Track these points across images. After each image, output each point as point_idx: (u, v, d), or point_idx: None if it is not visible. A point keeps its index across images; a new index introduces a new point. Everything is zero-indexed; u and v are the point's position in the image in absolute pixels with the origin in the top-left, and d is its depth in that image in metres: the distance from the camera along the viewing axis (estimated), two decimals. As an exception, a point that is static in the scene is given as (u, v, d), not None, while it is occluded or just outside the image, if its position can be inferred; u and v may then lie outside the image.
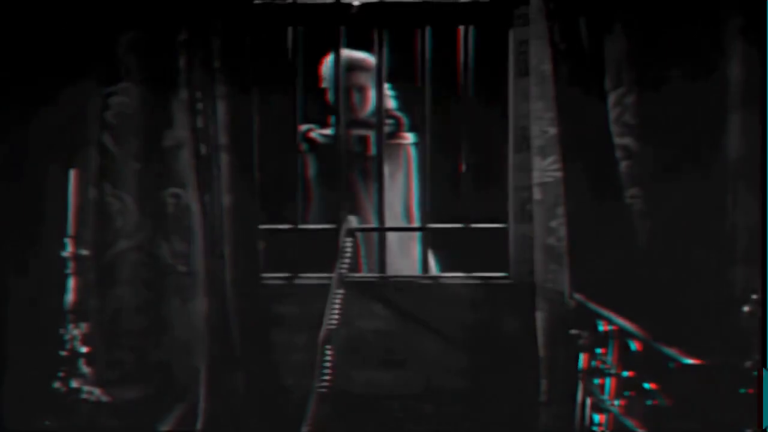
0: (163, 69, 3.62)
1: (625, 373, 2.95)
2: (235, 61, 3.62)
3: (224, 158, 3.64)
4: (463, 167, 3.90)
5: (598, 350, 3.18)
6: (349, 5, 3.82)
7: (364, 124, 4.24)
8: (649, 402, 2.78)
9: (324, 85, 4.22)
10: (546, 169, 3.65)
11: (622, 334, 3.00)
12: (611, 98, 3.63)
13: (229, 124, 3.63)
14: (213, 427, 3.59)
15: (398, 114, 4.29)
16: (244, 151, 3.66)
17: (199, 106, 3.61)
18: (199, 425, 3.31)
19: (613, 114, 3.64)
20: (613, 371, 3.03)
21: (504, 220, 3.89)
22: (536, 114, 3.65)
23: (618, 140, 3.64)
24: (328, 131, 4.17)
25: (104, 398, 3.18)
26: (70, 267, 3.32)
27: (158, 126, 3.63)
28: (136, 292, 3.64)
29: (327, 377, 3.57)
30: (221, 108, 3.63)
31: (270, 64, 3.88)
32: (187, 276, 3.63)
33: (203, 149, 3.61)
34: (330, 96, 4.14)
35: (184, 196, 3.63)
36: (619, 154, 3.65)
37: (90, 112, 3.65)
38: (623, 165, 3.65)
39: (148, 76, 3.62)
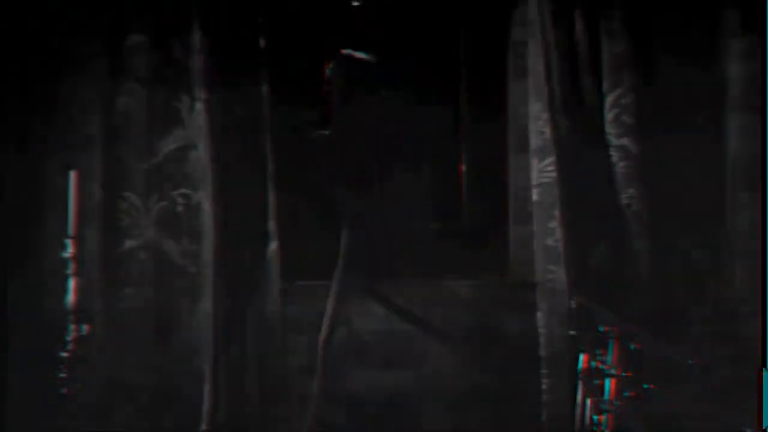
0: (169, 70, 3.62)
1: (625, 374, 2.94)
2: (245, 61, 3.63)
3: (237, 158, 3.63)
4: (463, 168, 3.90)
5: (598, 351, 3.18)
6: (349, 6, 3.82)
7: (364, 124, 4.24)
8: (648, 402, 2.78)
9: (325, 86, 4.22)
10: (543, 170, 3.66)
11: (622, 335, 3.00)
12: (609, 99, 3.64)
13: (240, 124, 3.63)
14: (217, 428, 3.59)
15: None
16: (252, 152, 3.65)
17: (213, 107, 3.60)
18: (203, 426, 3.32)
19: (610, 115, 3.64)
20: (612, 372, 3.03)
21: (504, 221, 3.90)
22: (534, 115, 3.66)
23: (615, 141, 3.65)
24: (328, 132, 4.17)
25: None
26: (71, 268, 3.32)
27: (165, 126, 3.63)
28: (143, 292, 3.63)
29: (326, 378, 3.57)
30: (232, 108, 3.63)
31: (270, 64, 3.88)
32: (197, 276, 3.62)
33: (215, 149, 3.61)
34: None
35: (194, 196, 3.63)
36: (616, 154, 3.65)
37: (96, 113, 3.66)
38: (621, 165, 3.65)
39: (153, 77, 3.62)
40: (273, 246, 3.66)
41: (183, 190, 3.63)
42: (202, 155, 3.59)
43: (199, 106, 3.59)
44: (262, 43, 3.65)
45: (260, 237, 3.65)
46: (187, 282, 3.63)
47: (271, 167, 3.71)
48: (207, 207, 3.59)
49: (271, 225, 3.67)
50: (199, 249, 3.62)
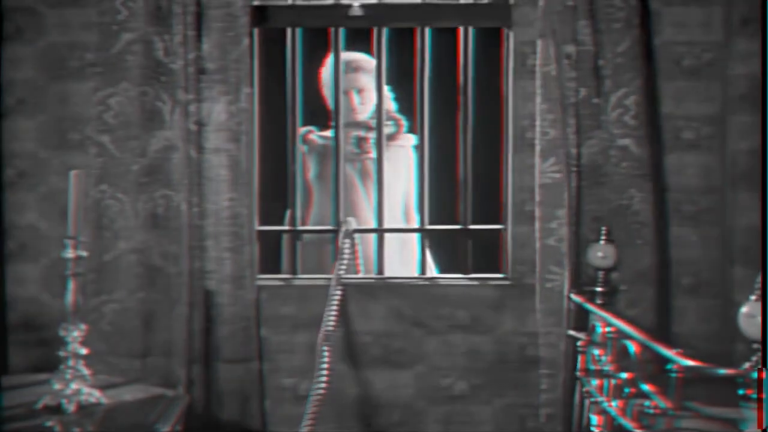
0: (161, 70, 3.62)
1: (623, 375, 2.94)
2: (233, 61, 3.63)
3: (221, 159, 3.65)
4: (462, 168, 3.90)
5: (596, 351, 3.17)
6: (349, 6, 3.82)
7: (364, 125, 4.24)
8: (647, 403, 2.77)
9: (324, 87, 4.22)
10: (546, 170, 3.65)
11: (621, 336, 3.00)
12: (612, 100, 3.63)
13: (227, 125, 3.64)
14: (202, 429, 3.60)
15: (398, 116, 4.29)
16: (242, 152, 3.66)
17: (192, 107, 3.61)
18: (179, 426, 3.32)
19: (613, 115, 3.64)
20: (611, 372, 3.02)
21: (502, 222, 3.89)
22: (540, 115, 3.65)
23: (618, 141, 3.64)
24: (327, 133, 4.17)
25: (104, 399, 3.18)
26: (70, 268, 3.32)
27: (153, 127, 3.64)
28: (133, 294, 3.64)
29: (325, 378, 3.57)
30: (219, 109, 3.64)
31: (269, 65, 3.88)
32: (177, 277, 3.63)
33: (194, 150, 3.62)
34: (330, 98, 4.13)
35: (174, 197, 3.64)
36: (618, 154, 3.65)
37: (91, 113, 3.66)
38: (622, 166, 3.65)
39: (146, 77, 3.62)
40: (252, 248, 3.66)
41: (164, 191, 3.64)
42: (182, 156, 3.60)
43: (181, 106, 3.60)
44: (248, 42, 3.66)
45: (244, 237, 3.66)
46: (169, 283, 3.63)
47: (256, 168, 3.73)
48: (185, 208, 3.60)
49: (252, 226, 3.68)
50: (178, 250, 3.63)
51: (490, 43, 3.91)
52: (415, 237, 4.12)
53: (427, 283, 3.88)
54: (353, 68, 4.17)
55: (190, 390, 3.60)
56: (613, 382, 2.99)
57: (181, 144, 3.61)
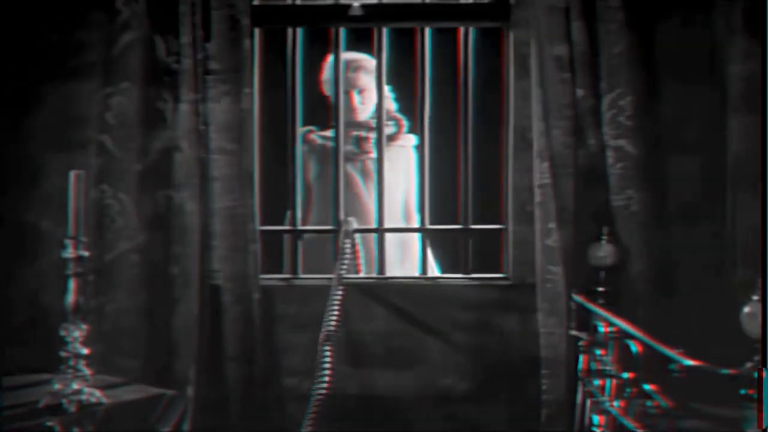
0: (163, 70, 3.62)
1: (625, 375, 2.94)
2: (234, 62, 3.63)
3: (223, 159, 3.65)
4: (463, 168, 3.90)
5: (598, 351, 3.18)
6: (349, 6, 3.82)
7: (364, 125, 4.23)
8: (649, 403, 2.78)
9: (325, 86, 4.22)
10: (544, 171, 3.65)
11: (622, 336, 3.00)
12: (606, 100, 3.63)
13: (228, 126, 3.64)
14: (204, 428, 3.60)
15: (398, 116, 4.29)
16: (244, 152, 3.67)
17: (194, 107, 3.61)
18: (186, 426, 3.32)
19: (607, 116, 3.64)
20: (612, 372, 3.02)
21: (503, 222, 3.89)
22: (537, 116, 3.66)
23: (613, 142, 3.64)
24: (328, 133, 4.16)
25: (104, 400, 3.17)
26: (71, 268, 3.32)
27: (155, 127, 3.64)
28: (134, 294, 3.64)
29: (327, 378, 3.57)
30: (221, 109, 3.64)
31: (270, 65, 3.88)
32: (178, 277, 3.63)
33: (197, 150, 3.63)
34: (330, 97, 4.13)
35: (176, 197, 3.64)
36: (614, 155, 3.64)
37: (91, 113, 3.66)
38: (618, 166, 3.65)
39: (147, 77, 3.62)
40: (255, 247, 3.67)
41: (166, 191, 3.64)
42: (185, 156, 3.60)
43: (184, 106, 3.60)
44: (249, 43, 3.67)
45: (246, 237, 3.66)
46: (171, 283, 3.63)
47: (257, 168, 3.73)
48: (189, 208, 3.60)
49: (255, 225, 3.68)
50: (181, 250, 3.63)
51: (490, 43, 3.91)
52: (416, 237, 4.11)
53: (427, 283, 3.88)
54: (354, 68, 4.17)
55: (196, 389, 3.60)
56: (615, 381, 3.00)
57: (183, 144, 3.62)
